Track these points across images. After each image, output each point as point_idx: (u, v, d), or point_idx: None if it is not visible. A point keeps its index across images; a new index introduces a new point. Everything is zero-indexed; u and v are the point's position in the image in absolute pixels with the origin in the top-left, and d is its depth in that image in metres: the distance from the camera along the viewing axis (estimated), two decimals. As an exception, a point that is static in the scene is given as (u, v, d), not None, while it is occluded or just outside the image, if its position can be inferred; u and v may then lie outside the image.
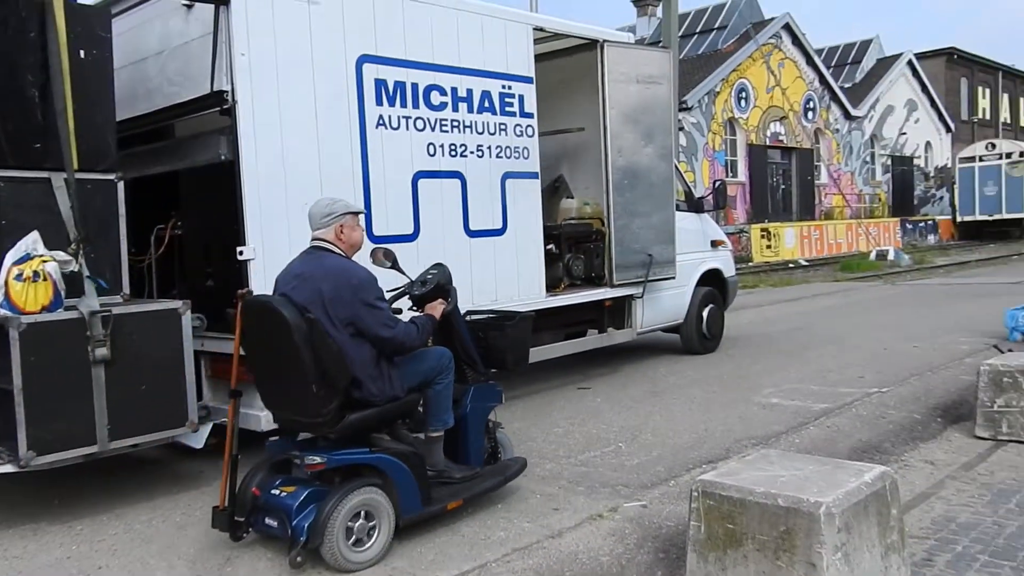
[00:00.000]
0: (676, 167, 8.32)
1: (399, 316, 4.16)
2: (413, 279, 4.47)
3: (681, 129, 27.40)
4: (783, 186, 33.98)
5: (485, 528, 4.13)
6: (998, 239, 35.29)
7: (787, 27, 33.21)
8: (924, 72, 42.41)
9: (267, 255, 4.93)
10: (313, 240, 4.04)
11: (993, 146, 37.70)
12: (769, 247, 26.48)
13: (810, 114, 35.11)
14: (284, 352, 3.77)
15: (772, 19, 33.22)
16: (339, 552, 3.70)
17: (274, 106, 5.08)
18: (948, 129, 44.79)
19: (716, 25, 33.97)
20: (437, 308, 4.31)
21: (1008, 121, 51.77)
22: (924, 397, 6.54)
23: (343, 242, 4.03)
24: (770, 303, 13.63)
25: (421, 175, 6.01)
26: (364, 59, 5.63)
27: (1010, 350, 6.31)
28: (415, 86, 5.91)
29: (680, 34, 30.05)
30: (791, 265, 24.80)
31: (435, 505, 4.03)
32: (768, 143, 32.83)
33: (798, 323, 11.43)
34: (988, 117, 49.54)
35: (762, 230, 26.81)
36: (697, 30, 34.63)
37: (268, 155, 5.07)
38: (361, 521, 3.79)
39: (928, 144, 43.89)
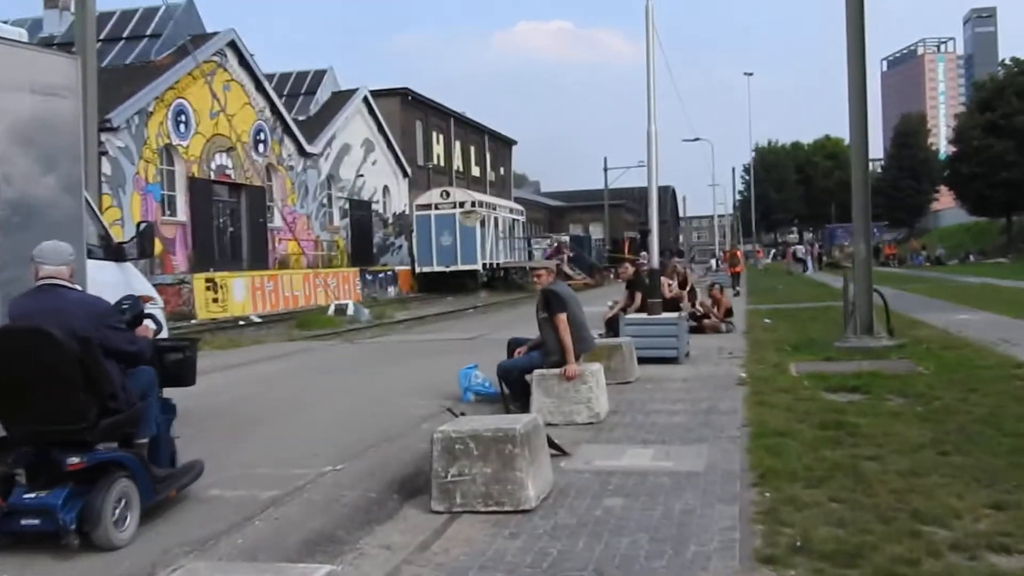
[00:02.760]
0: (89, 202, 7.81)
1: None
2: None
3: (104, 154, 26.04)
4: (232, 228, 34.28)
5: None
6: (456, 291, 40.77)
7: (233, 45, 33.78)
8: (380, 111, 46.78)
9: None
10: (46, 279, 5.47)
11: (448, 194, 43.59)
12: (216, 301, 26.45)
13: (261, 147, 36.14)
14: (44, 370, 5.18)
15: (215, 34, 33.45)
16: (110, 533, 5.19)
17: None
18: (405, 174, 50.11)
19: (148, 32, 33.16)
20: (147, 331, 6.07)
21: (461, 169, 60.21)
22: (381, 472, 6.96)
23: (72, 279, 5.60)
24: (218, 369, 13.54)
25: None
26: None
27: (463, 413, 7.03)
28: None
29: (102, 37, 28.72)
30: (242, 323, 25.05)
31: (161, 494, 5.76)
32: (214, 177, 32.92)
33: (249, 391, 11.49)
34: (443, 163, 56.93)
35: (208, 280, 26.68)
36: (124, 35, 33.46)
37: None
38: (120, 507, 5.30)
39: (386, 188, 48.54)
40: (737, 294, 30.27)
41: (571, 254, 52.52)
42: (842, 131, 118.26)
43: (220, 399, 10.56)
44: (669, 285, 16.52)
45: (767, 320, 19.09)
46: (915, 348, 12.90)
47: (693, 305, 17.24)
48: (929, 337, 14.35)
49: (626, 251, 60.53)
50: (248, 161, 34.41)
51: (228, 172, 33.61)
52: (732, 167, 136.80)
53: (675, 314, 13.66)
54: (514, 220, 51.59)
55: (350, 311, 27.01)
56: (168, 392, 6.34)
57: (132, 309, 6.10)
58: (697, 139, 70.37)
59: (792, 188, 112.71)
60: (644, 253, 40.50)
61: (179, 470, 6.19)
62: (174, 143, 30.53)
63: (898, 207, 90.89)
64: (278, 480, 6.74)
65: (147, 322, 6.19)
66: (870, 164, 15.53)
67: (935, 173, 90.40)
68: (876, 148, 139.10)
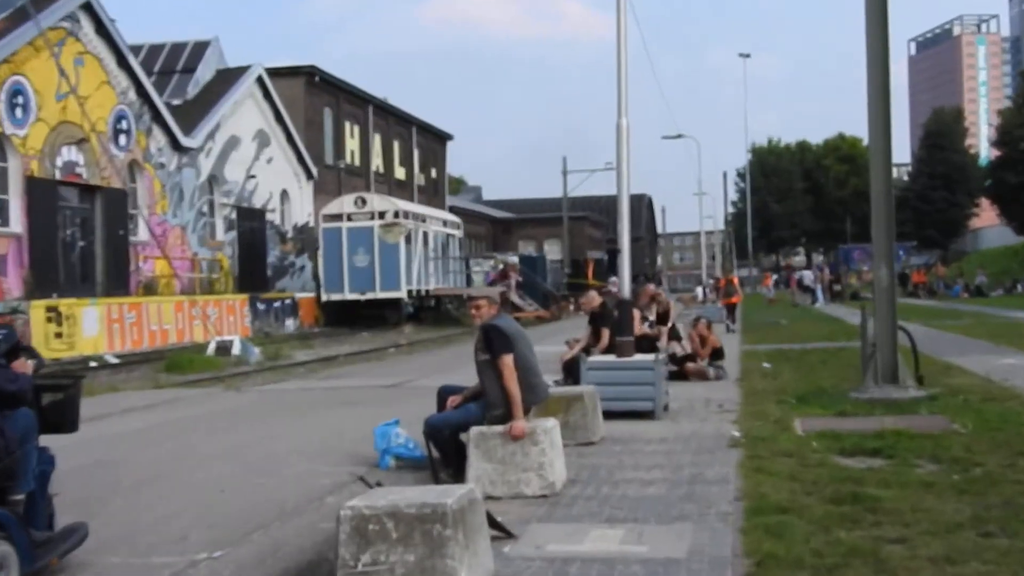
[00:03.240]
0: None
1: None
2: None
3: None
4: (83, 243, 33.78)
5: None
6: (374, 325, 40.69)
7: (88, 8, 33.45)
8: (279, 95, 46.48)
9: None
10: None
11: (364, 201, 43.60)
12: (60, 336, 26.02)
13: (123, 139, 35.77)
14: None
15: (64, -8, 32.94)
16: None
17: None
18: (309, 175, 49.81)
19: (-26, -11, 32.67)
20: (27, 365, 6.31)
21: (381, 170, 60.05)
22: (272, 560, 6.83)
23: None
24: (57, 425, 13.23)
25: None
26: None
27: (379, 483, 6.88)
28: None
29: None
30: (94, 364, 24.66)
31: (41, 560, 5.90)
32: (60, 177, 32.47)
33: (101, 455, 11.24)
34: (358, 163, 56.70)
35: (49, 309, 26.24)
36: (-57, -8, 32.96)
37: None
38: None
39: (285, 193, 48.24)
40: (730, 331, 30.62)
41: (520, 279, 52.80)
42: (860, 129, 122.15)
43: (61, 466, 10.31)
44: (645, 319, 16.55)
45: (767, 364, 19.25)
46: (950, 400, 12.95)
47: (672, 342, 17.29)
48: (967, 387, 14.37)
49: (590, 276, 61.81)
50: (105, 157, 34.01)
51: (80, 171, 33.17)
52: (724, 172, 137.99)
53: (651, 356, 13.59)
54: (449, 235, 51.86)
55: (236, 350, 26.75)
56: (45, 440, 6.44)
57: (6, 341, 6.30)
58: (680, 136, 70.05)
59: (798, 199, 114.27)
60: (613, 279, 40.69)
61: (59, 533, 6.34)
62: (7, 132, 30.05)
63: (928, 223, 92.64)
64: (134, 572, 6.60)
65: (24, 357, 6.41)
66: (894, 170, 15.80)
67: (974, 182, 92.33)
68: (902, 151, 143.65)
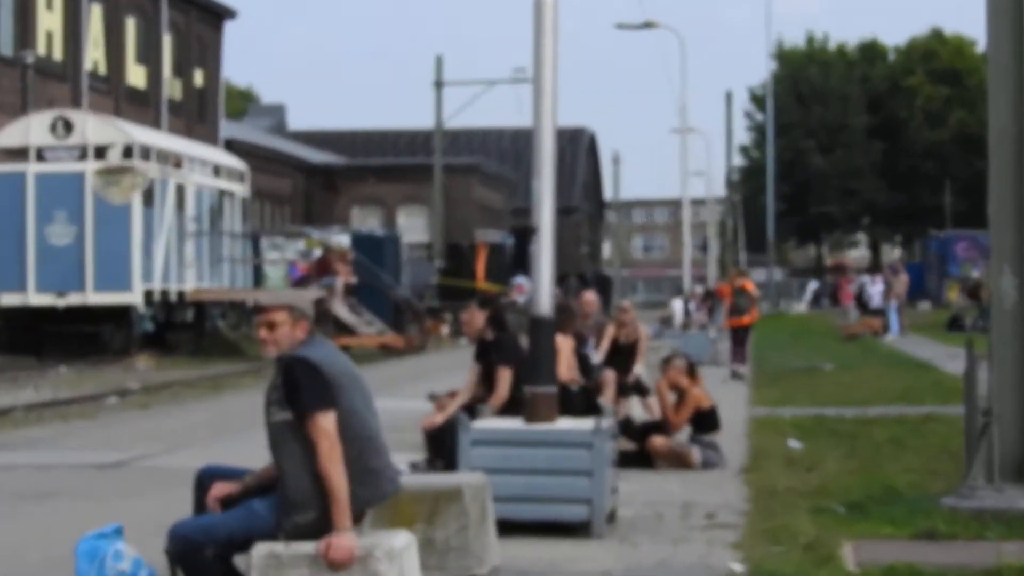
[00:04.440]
0: None
1: None
2: None
3: None
4: None
5: None
6: (80, 353, 27.44)
7: None
8: None
9: None
10: None
11: (68, 126, 29.21)
12: None
13: None
14: None
15: None
16: None
17: None
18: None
19: None
20: None
21: (102, 70, 40.63)
22: None
23: None
24: None
25: None
26: None
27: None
28: None
29: None
30: None
31: None
32: None
33: None
34: (59, 55, 38.12)
35: None
36: None
37: None
38: None
39: None
40: (737, 378, 21.95)
41: (354, 278, 34.54)
42: (970, 22, 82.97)
43: None
44: (580, 355, 12.84)
45: (795, 443, 14.31)
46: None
47: (626, 399, 13.32)
48: None
49: (480, 273, 46.33)
50: None
51: None
52: (727, 92, 74.59)
53: (588, 422, 9.71)
54: (224, 193, 34.32)
55: None
56: None
57: None
58: (648, 25, 45.36)
59: (858, 146, 74.09)
60: (520, 279, 32.76)
61: None
62: None
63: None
64: None
65: None
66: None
67: None
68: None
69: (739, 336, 23.21)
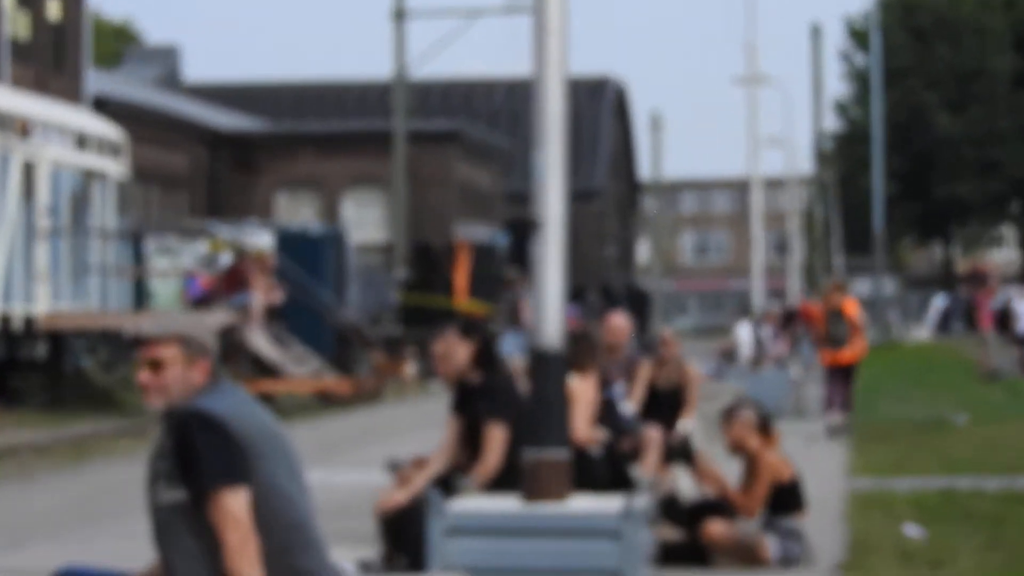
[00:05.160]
0: None
1: None
2: None
3: None
4: None
5: None
6: None
7: None
8: None
9: None
10: None
11: None
12: None
13: None
14: None
15: None
16: None
17: None
18: None
19: None
20: None
21: None
22: None
23: None
24: None
25: None
26: None
27: None
28: None
29: None
30: None
31: None
32: None
33: None
34: None
35: None
36: None
37: None
38: None
39: None
40: (834, 435, 17.96)
41: (278, 298, 27.57)
42: None
43: None
44: (608, 402, 10.67)
45: (913, 529, 11.72)
46: None
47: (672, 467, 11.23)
48: None
49: (460, 284, 36.65)
50: None
51: None
52: (813, 27, 55.37)
53: (615, 501, 7.86)
54: (91, 174, 26.16)
55: None
56: None
57: None
58: None
59: (1000, 102, 57.71)
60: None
61: None
62: None
63: None
64: None
65: None
66: None
67: None
68: None
69: (837, 377, 18.41)
